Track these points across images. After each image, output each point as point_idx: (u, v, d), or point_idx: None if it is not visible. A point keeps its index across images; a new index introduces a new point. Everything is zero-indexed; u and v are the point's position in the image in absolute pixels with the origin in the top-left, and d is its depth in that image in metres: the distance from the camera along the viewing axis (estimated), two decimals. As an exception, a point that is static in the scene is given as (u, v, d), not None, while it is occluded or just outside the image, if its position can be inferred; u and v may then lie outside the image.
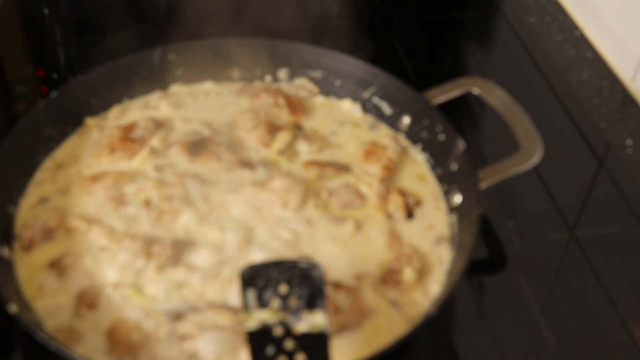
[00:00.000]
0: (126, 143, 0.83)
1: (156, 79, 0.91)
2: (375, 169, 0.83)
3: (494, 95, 0.84)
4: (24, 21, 1.13)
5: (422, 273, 0.73)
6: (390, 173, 0.82)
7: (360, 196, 0.81)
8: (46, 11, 1.12)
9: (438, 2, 1.21)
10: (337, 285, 0.71)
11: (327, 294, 0.66)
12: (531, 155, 0.78)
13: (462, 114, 0.96)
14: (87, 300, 0.69)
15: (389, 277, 0.73)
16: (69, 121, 0.86)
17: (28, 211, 0.77)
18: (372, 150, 0.85)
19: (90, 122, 0.87)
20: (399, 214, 0.79)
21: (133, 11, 1.12)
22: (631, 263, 0.82)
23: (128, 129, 0.85)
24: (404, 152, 0.86)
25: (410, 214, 0.79)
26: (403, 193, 0.80)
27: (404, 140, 0.87)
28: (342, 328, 0.68)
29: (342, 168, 0.84)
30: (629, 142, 0.94)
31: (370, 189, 0.81)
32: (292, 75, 0.94)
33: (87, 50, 1.06)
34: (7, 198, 0.77)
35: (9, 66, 1.04)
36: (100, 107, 0.88)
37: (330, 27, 1.13)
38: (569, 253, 0.83)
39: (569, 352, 0.74)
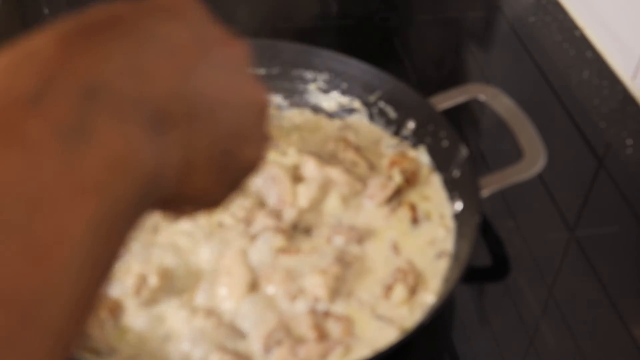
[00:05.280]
0: None
1: None
2: (396, 178, 0.81)
3: (499, 103, 0.84)
4: (24, 21, 1.13)
5: (414, 291, 0.72)
6: (408, 186, 0.81)
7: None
8: (46, 11, 1.12)
9: (438, 2, 1.21)
10: (327, 314, 0.70)
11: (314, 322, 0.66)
12: (534, 164, 0.78)
13: (465, 119, 0.96)
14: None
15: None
16: None
17: None
18: (398, 161, 0.83)
19: None
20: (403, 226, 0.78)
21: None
22: (631, 263, 0.82)
23: None
24: (428, 170, 0.84)
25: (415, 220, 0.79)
26: (413, 207, 0.80)
27: (425, 157, 0.86)
28: (326, 354, 0.67)
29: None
30: (629, 142, 0.94)
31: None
32: None
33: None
34: None
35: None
36: None
37: (330, 27, 1.13)
38: (569, 253, 0.83)
39: (569, 352, 0.74)
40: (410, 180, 0.82)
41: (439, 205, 0.81)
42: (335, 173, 0.79)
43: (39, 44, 0.28)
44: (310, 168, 0.80)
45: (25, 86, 0.26)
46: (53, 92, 0.26)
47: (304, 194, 0.78)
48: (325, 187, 0.79)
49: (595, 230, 0.85)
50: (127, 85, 0.28)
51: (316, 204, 0.78)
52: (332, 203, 0.79)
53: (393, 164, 0.83)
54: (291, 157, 0.81)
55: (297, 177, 0.80)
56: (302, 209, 0.78)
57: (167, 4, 0.34)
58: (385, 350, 0.63)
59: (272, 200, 0.78)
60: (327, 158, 0.83)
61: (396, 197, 0.80)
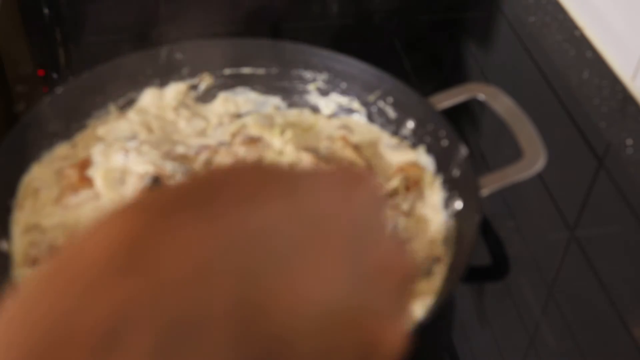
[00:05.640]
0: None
1: (162, 77, 0.91)
2: (393, 181, 0.80)
3: (499, 102, 0.84)
4: (24, 21, 1.13)
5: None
6: (407, 193, 0.80)
7: None
8: (46, 11, 1.12)
9: (438, 2, 1.21)
10: None
11: None
12: (534, 163, 0.78)
13: (465, 119, 0.96)
14: None
15: None
16: (73, 118, 0.85)
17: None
18: (406, 169, 0.82)
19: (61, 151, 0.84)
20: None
21: (133, 11, 1.12)
22: (631, 263, 0.82)
23: (82, 165, 0.81)
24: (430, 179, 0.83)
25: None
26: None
27: (424, 157, 0.84)
28: None
29: None
30: (629, 142, 0.94)
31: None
32: None
33: (87, 50, 1.05)
34: (8, 192, 0.77)
35: (9, 66, 1.04)
36: (103, 104, 0.88)
37: (330, 26, 1.13)
38: (569, 253, 0.83)
39: (569, 352, 0.74)
40: (410, 187, 0.81)
41: (428, 225, 0.78)
42: None
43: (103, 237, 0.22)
44: (306, 164, 0.80)
45: (96, 320, 0.21)
46: (129, 329, 0.21)
47: None
48: None
49: (596, 230, 0.85)
50: (226, 324, 0.22)
51: None
52: None
53: (400, 170, 0.83)
54: (288, 155, 0.81)
55: None
56: None
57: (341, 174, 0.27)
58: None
59: None
60: (324, 155, 0.82)
61: (389, 198, 0.80)
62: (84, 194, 0.78)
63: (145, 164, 0.79)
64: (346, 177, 0.28)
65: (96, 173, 0.79)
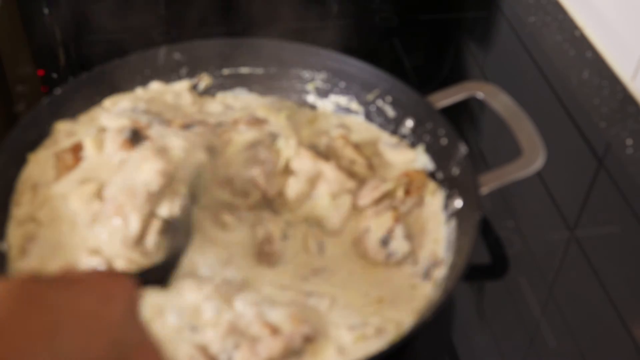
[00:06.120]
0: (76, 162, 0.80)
1: (161, 77, 0.91)
2: (389, 184, 0.80)
3: (498, 100, 0.84)
4: (24, 21, 1.13)
5: None
6: (408, 197, 0.80)
7: None
8: (46, 11, 1.12)
9: (438, 2, 1.21)
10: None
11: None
12: (533, 161, 0.78)
13: (464, 117, 0.96)
14: None
15: None
16: (72, 118, 0.85)
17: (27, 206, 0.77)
18: (411, 175, 0.82)
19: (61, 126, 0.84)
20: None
21: (133, 11, 1.12)
22: (631, 263, 0.82)
23: (75, 149, 0.82)
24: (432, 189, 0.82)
25: None
26: (398, 218, 0.78)
27: (433, 185, 0.82)
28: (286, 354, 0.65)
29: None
30: (629, 142, 0.94)
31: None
32: None
33: (87, 50, 1.06)
34: (6, 191, 0.77)
35: (9, 66, 1.04)
36: (102, 104, 0.88)
37: (330, 27, 1.13)
38: (569, 253, 0.83)
39: (569, 352, 0.74)
40: (410, 192, 0.81)
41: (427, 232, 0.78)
42: (327, 168, 0.79)
43: None
44: (305, 161, 0.80)
45: None
46: None
47: (293, 187, 0.78)
48: (314, 181, 0.79)
49: (595, 230, 0.85)
50: None
51: (303, 197, 0.79)
52: (319, 198, 0.79)
53: (405, 175, 0.82)
54: (290, 148, 0.81)
55: (288, 169, 0.80)
56: (291, 199, 0.78)
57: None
58: (386, 350, 0.63)
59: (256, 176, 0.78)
60: (325, 152, 0.83)
61: (388, 200, 0.80)
62: (73, 175, 0.78)
63: (120, 119, 0.80)
64: (102, 287, 0.29)
65: (87, 152, 0.80)
